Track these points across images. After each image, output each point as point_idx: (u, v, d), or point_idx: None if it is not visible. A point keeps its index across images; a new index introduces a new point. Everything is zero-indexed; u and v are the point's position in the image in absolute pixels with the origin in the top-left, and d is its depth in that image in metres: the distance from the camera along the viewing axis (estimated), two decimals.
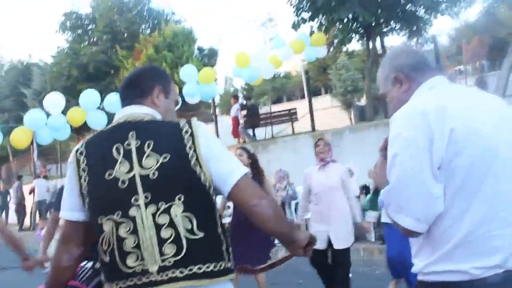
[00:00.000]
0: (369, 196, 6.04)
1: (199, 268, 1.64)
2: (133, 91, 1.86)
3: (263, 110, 22.14)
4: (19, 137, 8.59)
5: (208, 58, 17.09)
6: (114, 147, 1.69)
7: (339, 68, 26.39)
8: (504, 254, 1.51)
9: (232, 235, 4.79)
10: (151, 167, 1.65)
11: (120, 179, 1.66)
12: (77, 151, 1.77)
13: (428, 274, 1.58)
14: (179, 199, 1.64)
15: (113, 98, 8.64)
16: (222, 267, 1.68)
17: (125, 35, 18.52)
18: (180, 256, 1.63)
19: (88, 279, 2.16)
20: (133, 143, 1.69)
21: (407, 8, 12.29)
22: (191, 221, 1.65)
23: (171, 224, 1.63)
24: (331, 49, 24.50)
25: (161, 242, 1.62)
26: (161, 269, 1.62)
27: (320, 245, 4.53)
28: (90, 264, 2.15)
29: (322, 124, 18.14)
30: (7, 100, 25.79)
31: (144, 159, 1.66)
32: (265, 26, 13.17)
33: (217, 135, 16.13)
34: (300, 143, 12.85)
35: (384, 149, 1.81)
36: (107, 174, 1.67)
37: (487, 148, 1.51)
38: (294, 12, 12.16)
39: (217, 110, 16.28)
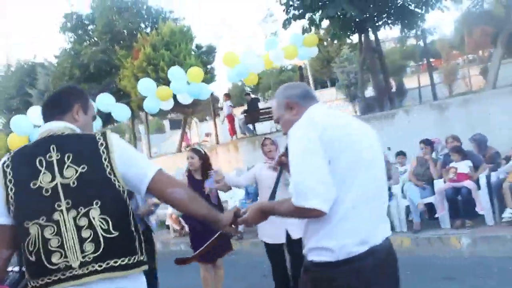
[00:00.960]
0: None
1: (115, 262, 1.95)
2: (55, 109, 2.15)
3: (268, 104, 22.36)
4: (16, 142, 8.86)
5: (207, 56, 17.29)
6: (37, 159, 1.97)
7: (342, 61, 26.53)
8: (365, 234, 2.05)
9: (195, 230, 5.06)
10: (71, 177, 1.95)
11: (44, 187, 1.94)
12: (3, 164, 2.01)
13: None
14: (96, 203, 1.95)
15: (104, 98, 9.00)
16: (135, 260, 2.00)
17: (124, 35, 18.78)
18: (98, 253, 1.93)
19: (15, 283, 2.36)
20: (54, 156, 1.97)
21: (397, 3, 12.46)
22: (107, 222, 1.95)
23: (90, 225, 1.93)
24: (334, 42, 24.62)
25: (82, 241, 1.92)
26: (82, 264, 1.91)
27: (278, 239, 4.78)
28: (17, 268, 2.38)
29: None
30: (14, 100, 26.21)
31: (65, 170, 1.95)
32: (266, 21, 13.33)
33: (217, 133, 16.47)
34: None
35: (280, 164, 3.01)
36: (32, 183, 1.94)
37: (356, 154, 2.07)
38: (284, 10, 12.36)
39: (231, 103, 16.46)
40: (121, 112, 9.56)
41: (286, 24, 12.33)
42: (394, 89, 19.35)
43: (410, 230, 7.39)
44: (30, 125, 8.69)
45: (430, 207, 7.40)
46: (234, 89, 34.76)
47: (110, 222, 1.96)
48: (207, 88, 10.00)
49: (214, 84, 17.81)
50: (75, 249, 1.91)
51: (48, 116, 2.15)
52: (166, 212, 12.12)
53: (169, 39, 16.16)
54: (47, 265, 1.90)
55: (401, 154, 8.81)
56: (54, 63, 22.21)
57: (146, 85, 9.48)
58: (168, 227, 11.50)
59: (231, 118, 16.08)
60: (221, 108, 17.61)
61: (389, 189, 7.75)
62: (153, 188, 2.07)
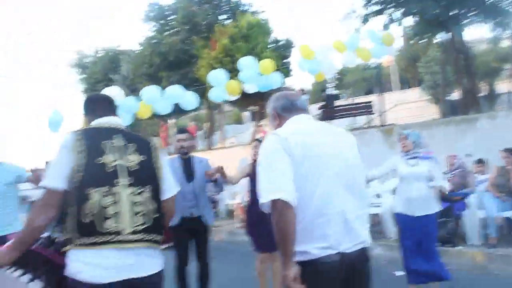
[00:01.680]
0: None
1: (156, 236, 2.44)
2: (112, 107, 2.69)
3: (349, 101, 21.93)
4: None
5: (284, 50, 17.12)
6: (102, 142, 2.41)
7: (428, 60, 25.37)
8: (333, 239, 2.24)
9: (252, 219, 5.34)
10: (133, 161, 2.44)
11: (106, 165, 2.37)
12: (76, 137, 2.39)
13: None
14: (149, 187, 2.45)
15: (173, 90, 9.36)
16: (160, 239, 2.49)
17: (203, 26, 19.00)
18: (145, 226, 2.38)
19: (44, 247, 2.55)
20: (117, 142, 2.45)
21: (486, 0, 11.68)
22: (154, 204, 2.45)
23: (142, 203, 2.40)
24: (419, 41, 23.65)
25: (135, 213, 2.36)
26: (132, 233, 2.33)
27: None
28: (46, 234, 2.57)
29: (406, 118, 17.65)
30: (100, 84, 27.45)
31: (129, 155, 2.44)
32: (349, 17, 12.97)
33: None
34: (368, 137, 12.67)
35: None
36: (97, 159, 2.36)
37: (316, 160, 2.29)
38: (363, 5, 11.96)
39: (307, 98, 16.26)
40: (189, 100, 9.70)
41: (365, 20, 11.94)
42: (484, 93, 18.24)
43: (485, 245, 6.87)
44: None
45: (510, 222, 6.89)
46: (316, 84, 34.34)
47: (155, 204, 2.46)
48: (278, 79, 9.84)
49: (291, 79, 17.62)
50: (128, 218, 2.34)
51: (104, 110, 2.62)
52: (234, 202, 12.18)
53: (246, 31, 16.17)
54: (99, 227, 2.28)
55: (480, 162, 8.22)
56: (136, 51, 22.94)
57: (217, 76, 9.54)
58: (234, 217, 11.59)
59: None
60: None
61: (464, 197, 7.32)
62: (168, 202, 2.62)
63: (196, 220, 5.31)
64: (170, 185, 2.63)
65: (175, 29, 20.35)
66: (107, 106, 2.67)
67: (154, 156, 2.54)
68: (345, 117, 16.13)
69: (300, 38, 62.68)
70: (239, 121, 38.82)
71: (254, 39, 16.10)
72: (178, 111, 11.95)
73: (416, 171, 5.14)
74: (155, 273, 2.44)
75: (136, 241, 2.35)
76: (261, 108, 18.83)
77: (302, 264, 2.23)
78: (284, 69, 16.34)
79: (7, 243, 2.45)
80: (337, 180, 2.31)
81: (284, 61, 16.69)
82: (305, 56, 9.19)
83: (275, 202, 2.19)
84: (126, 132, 2.53)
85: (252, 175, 5.31)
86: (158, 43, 20.02)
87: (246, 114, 37.78)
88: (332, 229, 2.26)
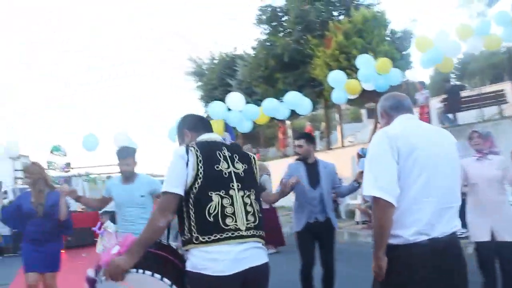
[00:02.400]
0: None
1: (262, 233, 2.80)
2: (209, 126, 3.09)
3: (475, 92, 20.48)
4: (214, 127, 9.46)
5: (402, 41, 16.32)
6: (217, 152, 2.81)
7: None
8: (426, 226, 2.57)
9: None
10: (239, 169, 2.84)
11: (223, 171, 2.75)
12: (194, 149, 2.74)
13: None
14: (252, 191, 2.83)
15: (291, 96, 9.62)
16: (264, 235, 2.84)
17: (316, 24, 18.74)
18: (255, 223, 2.76)
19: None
20: (227, 153, 2.85)
21: None
22: (258, 205, 2.84)
23: (251, 204, 2.79)
24: None
25: (247, 213, 2.74)
26: (247, 229, 2.70)
27: (483, 237, 4.84)
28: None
29: None
30: (217, 90, 28.29)
31: (235, 163, 2.83)
32: (471, 1, 11.92)
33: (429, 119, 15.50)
34: (502, 128, 11.66)
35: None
36: (215, 167, 2.74)
37: (422, 157, 2.62)
38: None
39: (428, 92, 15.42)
40: (305, 105, 9.66)
41: (490, 2, 10.95)
42: None
43: None
44: (225, 110, 9.27)
45: None
46: (436, 75, 32.51)
47: (258, 205, 2.85)
48: (397, 76, 9.40)
49: (411, 71, 16.76)
50: (242, 217, 2.71)
51: (205, 128, 3.02)
52: (355, 202, 11.87)
53: (361, 26, 15.64)
54: (222, 225, 2.63)
55: None
56: (251, 54, 23.27)
57: (336, 77, 9.43)
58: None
59: (423, 108, 15.03)
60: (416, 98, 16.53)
61: None
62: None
63: (322, 224, 5.33)
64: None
65: (288, 30, 20.33)
66: (206, 124, 3.09)
67: (253, 165, 2.94)
68: (472, 108, 15.03)
69: (418, 27, 59.69)
70: (357, 119, 37.94)
71: (369, 33, 15.53)
72: (295, 112, 11.86)
73: None
74: (265, 263, 2.80)
75: (249, 236, 2.70)
76: None
77: (396, 247, 2.60)
78: (403, 62, 15.56)
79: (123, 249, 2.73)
80: (437, 175, 2.65)
81: (404, 53, 15.87)
82: (423, 49, 8.65)
83: (377, 199, 2.58)
84: (227, 145, 2.94)
85: None
86: (272, 45, 20.12)
87: (364, 112, 36.87)
88: (426, 217, 2.59)
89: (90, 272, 2.93)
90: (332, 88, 9.97)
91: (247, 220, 2.71)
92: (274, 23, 21.15)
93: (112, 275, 2.58)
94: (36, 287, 5.53)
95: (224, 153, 2.82)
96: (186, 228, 2.66)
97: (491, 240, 4.77)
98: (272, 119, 10.44)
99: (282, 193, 4.86)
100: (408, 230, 2.57)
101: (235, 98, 9.64)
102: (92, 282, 2.87)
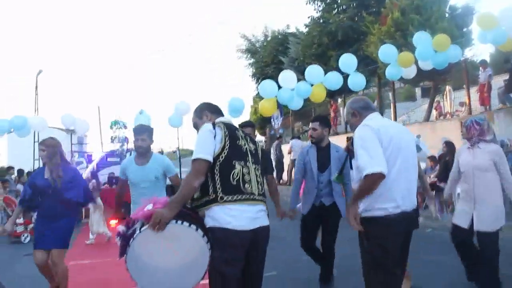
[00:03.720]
0: None
1: (265, 199, 3.39)
2: (222, 113, 3.67)
3: None
4: (266, 107, 9.54)
5: (462, 18, 15.61)
6: (236, 131, 3.43)
7: None
8: (400, 202, 3.35)
9: None
10: (252, 147, 3.45)
11: (242, 147, 3.35)
12: (221, 125, 3.33)
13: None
14: (259, 166, 3.44)
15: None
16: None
17: (372, 1, 18.25)
18: (262, 192, 3.38)
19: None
20: (241, 134, 3.45)
21: None
22: (262, 178, 3.46)
23: (260, 176, 3.40)
24: None
25: (257, 182, 3.34)
26: (258, 194, 3.30)
27: (462, 223, 5.07)
28: None
29: None
30: (269, 68, 28.27)
31: (248, 143, 3.45)
32: None
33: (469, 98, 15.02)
34: None
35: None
36: (237, 142, 3.34)
37: (397, 145, 3.37)
38: None
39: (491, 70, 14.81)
40: (356, 80, 9.47)
41: None
42: None
43: None
44: (275, 88, 9.26)
45: None
46: (497, 54, 31.15)
47: (262, 179, 3.46)
48: (456, 53, 9.05)
49: (471, 49, 16.04)
50: (255, 184, 3.30)
51: (221, 113, 3.65)
52: None
53: (419, 2, 15.07)
54: (242, 188, 3.20)
55: None
56: (304, 32, 22.99)
57: (387, 51, 9.17)
58: None
59: (483, 87, 14.44)
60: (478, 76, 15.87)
61: None
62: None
63: (327, 208, 5.39)
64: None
65: (343, 7, 19.92)
66: (220, 110, 3.69)
67: (259, 147, 3.58)
68: None
69: (481, 3, 56.88)
70: (410, 98, 36.97)
71: (427, 9, 14.96)
72: (347, 90, 11.68)
73: None
74: (268, 225, 3.36)
75: (259, 200, 3.28)
76: (436, 83, 17.61)
77: (382, 217, 3.33)
78: (463, 40, 14.95)
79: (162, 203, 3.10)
80: (406, 162, 3.39)
81: (464, 30, 15.20)
82: (486, 26, 8.25)
83: (374, 175, 3.16)
84: (238, 127, 3.60)
85: None
86: (326, 23, 19.79)
87: (418, 91, 35.84)
88: (399, 195, 3.34)
89: (121, 228, 3.19)
90: (386, 66, 9.73)
91: (258, 187, 3.30)
92: (328, 0, 20.77)
93: (156, 224, 2.92)
94: (44, 267, 5.39)
95: (240, 133, 3.43)
96: (211, 190, 3.16)
97: (469, 228, 5.00)
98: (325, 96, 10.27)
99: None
100: (390, 203, 3.31)
101: (287, 76, 9.59)
102: (124, 236, 3.12)
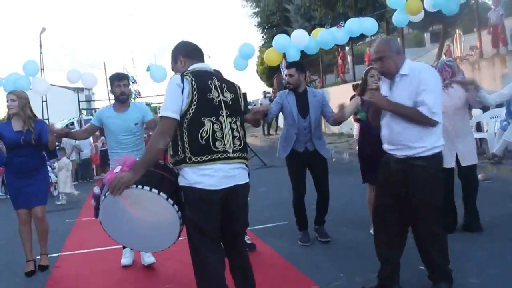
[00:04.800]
0: None
1: (246, 154, 3.19)
2: (202, 56, 3.33)
3: None
4: (272, 57, 9.35)
5: None
6: (208, 81, 3.09)
7: None
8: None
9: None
10: (228, 97, 3.14)
11: (214, 99, 3.06)
12: (188, 77, 3.01)
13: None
14: (238, 118, 3.17)
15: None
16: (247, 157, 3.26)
17: None
18: (241, 147, 3.13)
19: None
20: (217, 83, 3.13)
21: None
22: (242, 131, 3.20)
23: (237, 129, 3.13)
24: None
25: (233, 137, 3.08)
26: (233, 151, 3.06)
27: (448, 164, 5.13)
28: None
29: None
30: (274, 16, 27.71)
31: (224, 92, 3.14)
32: None
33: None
34: None
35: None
36: (207, 95, 3.04)
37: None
38: None
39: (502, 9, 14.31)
40: (368, 26, 9.26)
41: None
42: None
43: None
44: (289, 43, 9.07)
45: None
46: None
47: (243, 131, 3.20)
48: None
49: None
50: (230, 141, 3.05)
51: (198, 57, 3.29)
52: None
53: None
54: (212, 147, 2.97)
55: None
56: None
57: None
58: None
59: (496, 28, 13.96)
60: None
61: None
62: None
63: (311, 153, 5.47)
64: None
65: None
66: (200, 53, 3.32)
67: (239, 94, 3.25)
68: None
69: None
70: (420, 43, 36.23)
71: None
72: (355, 37, 11.38)
73: None
74: (247, 182, 3.19)
75: (235, 158, 3.06)
76: (445, 27, 17.16)
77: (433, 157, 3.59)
78: None
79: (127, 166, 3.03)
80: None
81: None
82: None
83: (435, 122, 3.51)
84: (217, 74, 3.27)
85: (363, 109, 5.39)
86: None
87: (427, 36, 35.08)
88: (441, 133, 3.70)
89: (96, 190, 3.29)
90: (394, 11, 9.45)
91: (233, 144, 3.06)
92: None
93: (115, 188, 2.87)
94: (28, 226, 5.40)
95: (214, 82, 3.11)
96: (179, 150, 2.98)
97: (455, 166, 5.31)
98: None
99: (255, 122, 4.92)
100: (437, 142, 3.64)
101: (300, 34, 9.32)
102: (97, 198, 3.21)
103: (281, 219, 6.74)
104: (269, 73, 28.69)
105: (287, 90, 5.65)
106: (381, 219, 3.79)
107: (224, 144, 3.01)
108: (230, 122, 3.08)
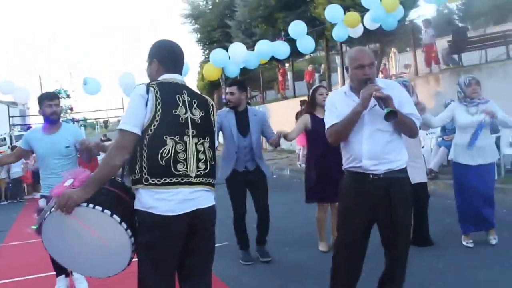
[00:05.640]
0: None
1: (212, 180, 2.84)
2: (180, 67, 2.96)
3: (478, 32, 19.90)
4: (210, 72, 9.17)
5: None
6: (177, 96, 2.76)
7: None
8: None
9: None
10: (196, 115, 2.80)
11: (180, 116, 2.72)
12: (153, 88, 2.68)
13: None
14: (207, 139, 2.83)
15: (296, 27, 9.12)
16: (214, 182, 2.88)
17: None
18: (206, 171, 2.78)
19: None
20: (186, 97, 2.79)
21: None
22: (211, 153, 2.84)
23: (204, 152, 2.78)
24: None
25: (198, 160, 2.74)
26: (196, 176, 2.72)
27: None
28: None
29: None
30: (215, 32, 27.63)
31: (193, 109, 2.80)
32: None
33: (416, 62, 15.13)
34: (508, 70, 11.27)
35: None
36: (173, 111, 2.70)
37: None
38: None
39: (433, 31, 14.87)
40: (306, 44, 9.25)
41: None
42: None
43: None
44: (226, 58, 8.89)
45: None
46: (438, 17, 31.50)
47: (211, 153, 2.85)
48: (401, 14, 8.93)
49: (415, 11, 16.05)
50: (194, 164, 2.71)
51: (173, 67, 2.91)
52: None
53: None
54: (173, 170, 2.63)
55: None
56: None
57: (333, 12, 9.00)
58: None
59: (429, 48, 14.52)
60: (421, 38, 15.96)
61: None
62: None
63: (252, 173, 5.40)
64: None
65: None
66: (177, 61, 2.94)
67: (211, 112, 2.92)
68: (479, 49, 14.62)
69: None
70: None
71: None
72: (295, 54, 11.42)
73: (477, 120, 5.19)
74: (213, 205, 2.85)
75: (197, 183, 2.72)
76: (383, 45, 17.62)
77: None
78: (409, 1, 14.89)
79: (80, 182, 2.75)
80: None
81: None
82: None
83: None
84: (189, 89, 2.88)
85: (310, 128, 5.43)
86: None
87: None
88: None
89: (42, 202, 3.07)
90: (333, 27, 9.53)
91: (197, 167, 2.74)
92: None
93: (63, 206, 2.56)
94: None
95: (183, 97, 2.79)
96: (137, 168, 2.64)
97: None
98: (272, 59, 9.95)
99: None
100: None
101: (238, 48, 9.16)
102: (41, 212, 2.89)
103: (221, 239, 6.45)
104: (209, 89, 28.51)
105: (226, 108, 5.55)
106: (345, 259, 3.41)
107: (187, 167, 2.67)
108: (196, 143, 2.73)
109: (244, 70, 9.31)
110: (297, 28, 9.07)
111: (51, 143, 4.66)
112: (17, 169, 13.97)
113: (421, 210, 5.47)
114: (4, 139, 19.85)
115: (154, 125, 2.62)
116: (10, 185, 14.10)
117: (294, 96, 21.37)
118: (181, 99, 2.75)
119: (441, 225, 6.21)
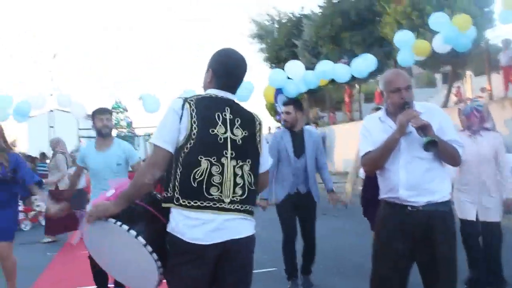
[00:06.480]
0: None
1: (250, 207, 2.57)
2: (235, 82, 2.69)
3: None
4: (270, 92, 9.09)
5: None
6: (216, 113, 2.52)
7: None
8: None
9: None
10: (238, 135, 2.54)
11: (218, 136, 2.49)
12: (189, 105, 2.48)
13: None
14: (248, 161, 2.56)
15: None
16: (253, 210, 2.61)
17: None
18: (243, 197, 2.53)
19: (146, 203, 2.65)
20: (228, 115, 2.54)
21: None
22: (251, 177, 2.58)
23: (242, 176, 2.53)
24: None
25: (235, 185, 2.50)
26: (231, 202, 2.48)
27: (470, 216, 4.82)
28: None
29: None
30: (283, 51, 27.57)
31: (235, 129, 2.54)
32: None
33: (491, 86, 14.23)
34: None
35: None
36: (210, 130, 2.48)
37: None
38: None
39: None
40: (341, 73, 8.99)
41: None
42: None
43: None
44: (285, 78, 8.71)
45: None
46: None
47: (253, 178, 2.58)
48: (475, 35, 8.29)
49: (493, 30, 15.07)
50: (230, 189, 2.48)
51: (227, 82, 2.64)
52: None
53: None
54: (205, 193, 2.42)
55: None
56: (318, 13, 22.23)
57: (403, 38, 8.64)
58: None
59: (507, 70, 13.55)
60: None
61: None
62: (262, 175, 2.72)
63: (303, 196, 5.20)
64: (265, 159, 2.73)
65: None
66: (235, 77, 2.67)
67: (257, 132, 2.64)
68: None
69: None
70: (430, 84, 35.86)
71: None
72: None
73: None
74: (250, 235, 2.56)
75: (232, 210, 2.48)
76: (454, 68, 16.75)
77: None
78: (484, 20, 14.05)
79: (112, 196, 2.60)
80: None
81: (485, 9, 14.28)
82: (508, 6, 7.59)
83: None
84: (234, 105, 2.62)
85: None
86: (340, 2, 19.02)
87: (438, 76, 34.76)
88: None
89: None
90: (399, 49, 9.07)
91: (233, 192, 2.49)
92: None
93: (91, 217, 2.53)
94: None
95: (224, 115, 2.54)
96: (170, 185, 2.48)
97: (476, 219, 4.84)
98: (333, 81, 9.64)
99: None
100: None
101: (295, 65, 8.95)
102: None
103: (268, 264, 6.17)
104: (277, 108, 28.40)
105: (282, 128, 5.46)
106: None
107: (221, 192, 2.45)
108: (234, 166, 2.49)
109: (310, 90, 9.07)
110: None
111: (104, 161, 4.72)
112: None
113: (492, 250, 4.93)
114: (77, 150, 20.58)
115: (190, 143, 2.44)
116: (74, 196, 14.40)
117: (360, 119, 20.76)
118: (221, 117, 2.52)
119: None
